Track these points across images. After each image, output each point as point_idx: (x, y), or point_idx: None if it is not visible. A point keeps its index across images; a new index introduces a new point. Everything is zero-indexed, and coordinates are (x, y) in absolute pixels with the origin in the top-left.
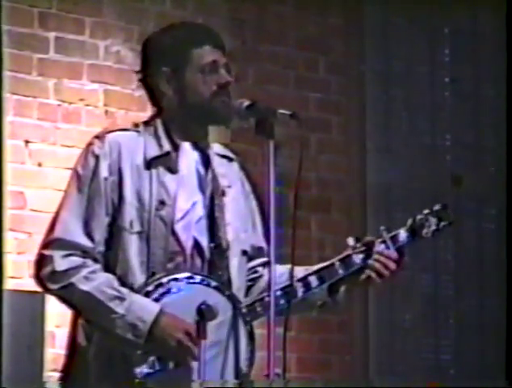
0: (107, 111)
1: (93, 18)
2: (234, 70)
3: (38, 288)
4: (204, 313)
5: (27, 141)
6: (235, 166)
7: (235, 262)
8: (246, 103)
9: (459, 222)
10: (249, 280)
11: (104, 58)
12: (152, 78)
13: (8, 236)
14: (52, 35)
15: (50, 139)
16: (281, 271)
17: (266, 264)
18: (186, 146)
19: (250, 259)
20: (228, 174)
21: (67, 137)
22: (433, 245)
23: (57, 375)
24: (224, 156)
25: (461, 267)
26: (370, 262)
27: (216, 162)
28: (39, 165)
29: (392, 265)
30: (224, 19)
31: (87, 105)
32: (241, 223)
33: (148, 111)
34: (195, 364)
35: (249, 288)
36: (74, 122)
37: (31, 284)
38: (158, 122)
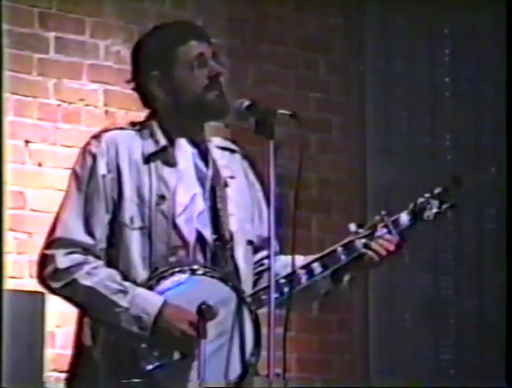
0: (107, 111)
1: (93, 18)
2: (234, 69)
3: (38, 288)
4: (204, 312)
5: (27, 141)
6: (237, 157)
7: (240, 252)
8: (246, 103)
9: (459, 222)
10: (256, 274)
11: (104, 58)
12: (143, 84)
13: (8, 236)
14: (52, 35)
15: (50, 139)
16: (284, 261)
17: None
18: (181, 141)
19: (257, 250)
20: (231, 165)
21: (67, 137)
22: (433, 245)
23: (58, 375)
24: (225, 148)
25: (461, 267)
26: (370, 243)
27: (217, 154)
28: (39, 165)
29: (393, 248)
30: (224, 19)
31: (87, 105)
32: (245, 214)
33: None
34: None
35: (256, 281)
36: (74, 122)
37: (31, 284)
38: (153, 122)
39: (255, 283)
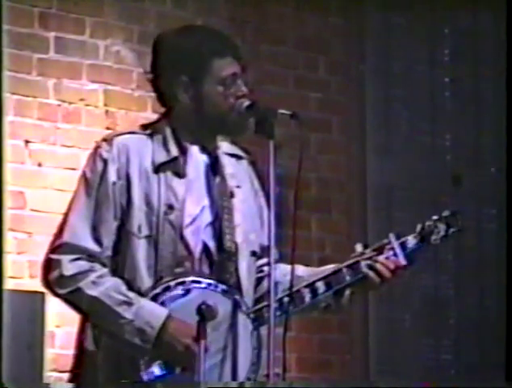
0: (107, 111)
1: (93, 18)
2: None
3: (38, 288)
4: (204, 313)
5: (27, 141)
6: (244, 164)
7: (244, 264)
8: (246, 103)
9: (463, 231)
10: (255, 279)
11: (104, 58)
12: (167, 83)
13: (8, 236)
14: (52, 35)
15: (50, 139)
16: (284, 270)
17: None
18: (194, 150)
19: (258, 257)
20: (238, 173)
21: (67, 137)
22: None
23: (58, 375)
24: (233, 155)
25: (461, 267)
26: (374, 264)
27: (225, 163)
28: (39, 165)
29: (397, 270)
30: (224, 19)
31: (87, 105)
32: (250, 223)
33: (149, 112)
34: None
35: (255, 288)
36: (74, 122)
37: (31, 284)
38: (167, 126)
39: (254, 289)
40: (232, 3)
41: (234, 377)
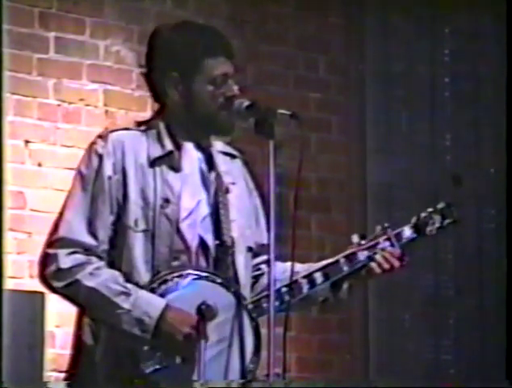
0: (107, 111)
1: (93, 18)
2: (234, 69)
3: (38, 288)
4: (204, 312)
5: (27, 141)
6: (238, 163)
7: (241, 258)
8: (246, 103)
9: (459, 222)
10: (252, 278)
11: (104, 58)
12: (158, 78)
13: (8, 236)
14: (52, 35)
15: (50, 139)
16: (283, 267)
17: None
18: (188, 146)
19: (254, 255)
20: (232, 171)
21: (67, 137)
22: (433, 245)
23: (58, 375)
24: (227, 153)
25: (461, 267)
26: (373, 255)
27: (220, 160)
28: (39, 165)
29: (395, 261)
30: (224, 19)
31: (87, 105)
32: (246, 220)
33: (149, 112)
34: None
35: (252, 285)
36: (74, 122)
37: (31, 284)
38: (160, 122)
39: (251, 287)
40: (232, 3)
41: (235, 368)
